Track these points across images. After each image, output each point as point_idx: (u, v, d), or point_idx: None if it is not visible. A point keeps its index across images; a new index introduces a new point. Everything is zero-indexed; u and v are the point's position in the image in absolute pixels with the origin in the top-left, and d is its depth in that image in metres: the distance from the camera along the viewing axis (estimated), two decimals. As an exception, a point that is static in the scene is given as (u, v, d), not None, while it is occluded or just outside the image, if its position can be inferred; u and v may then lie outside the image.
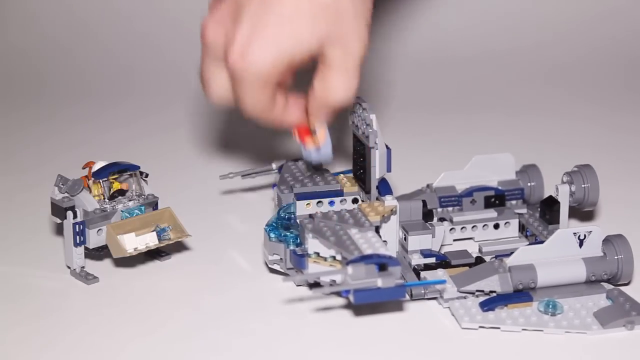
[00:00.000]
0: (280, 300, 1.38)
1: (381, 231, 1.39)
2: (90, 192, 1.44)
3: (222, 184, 1.68)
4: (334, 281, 1.33)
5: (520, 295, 1.33)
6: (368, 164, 1.42)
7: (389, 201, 1.40)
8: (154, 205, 1.47)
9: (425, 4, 2.42)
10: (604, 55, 2.33)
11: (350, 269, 1.26)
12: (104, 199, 1.44)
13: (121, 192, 1.46)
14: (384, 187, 1.44)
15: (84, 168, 1.45)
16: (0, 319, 1.34)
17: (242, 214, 1.64)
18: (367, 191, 1.44)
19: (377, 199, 1.43)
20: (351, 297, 1.26)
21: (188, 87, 2.24)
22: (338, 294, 1.35)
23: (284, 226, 1.41)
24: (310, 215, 1.40)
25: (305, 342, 1.29)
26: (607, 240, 1.37)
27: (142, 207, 1.46)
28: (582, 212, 1.56)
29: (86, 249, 1.43)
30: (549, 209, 1.49)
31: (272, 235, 1.40)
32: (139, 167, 1.47)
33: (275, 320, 1.33)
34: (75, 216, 1.40)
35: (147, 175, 1.48)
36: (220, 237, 1.56)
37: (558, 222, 1.47)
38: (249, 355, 1.26)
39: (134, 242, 1.42)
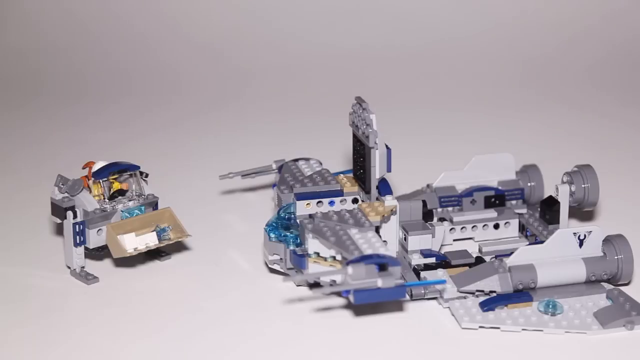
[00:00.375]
0: (280, 300, 1.37)
1: (381, 231, 1.39)
2: (90, 192, 1.44)
3: (222, 184, 1.68)
4: (334, 281, 1.33)
5: (520, 295, 1.33)
6: (368, 164, 1.42)
7: (389, 201, 1.40)
8: (154, 205, 1.47)
9: (426, 3, 2.42)
10: (604, 55, 2.33)
11: (350, 269, 1.26)
12: (104, 199, 1.44)
13: (121, 192, 1.46)
14: (384, 187, 1.44)
15: (84, 168, 1.45)
16: (0, 319, 1.34)
17: (242, 214, 1.64)
18: (367, 191, 1.44)
19: (377, 199, 1.43)
20: (351, 297, 1.26)
21: (188, 86, 2.24)
22: (338, 294, 1.35)
23: (284, 226, 1.41)
24: (310, 215, 1.40)
25: (305, 342, 1.28)
26: (607, 240, 1.37)
27: (142, 207, 1.46)
28: (582, 212, 1.56)
29: (86, 249, 1.43)
30: (549, 209, 1.49)
31: (272, 235, 1.40)
32: (139, 167, 1.47)
33: (275, 320, 1.33)
34: (75, 216, 1.40)
35: (147, 175, 1.48)
36: (220, 237, 1.56)
37: (558, 222, 1.47)
38: (249, 355, 1.26)
39: (134, 242, 1.41)
